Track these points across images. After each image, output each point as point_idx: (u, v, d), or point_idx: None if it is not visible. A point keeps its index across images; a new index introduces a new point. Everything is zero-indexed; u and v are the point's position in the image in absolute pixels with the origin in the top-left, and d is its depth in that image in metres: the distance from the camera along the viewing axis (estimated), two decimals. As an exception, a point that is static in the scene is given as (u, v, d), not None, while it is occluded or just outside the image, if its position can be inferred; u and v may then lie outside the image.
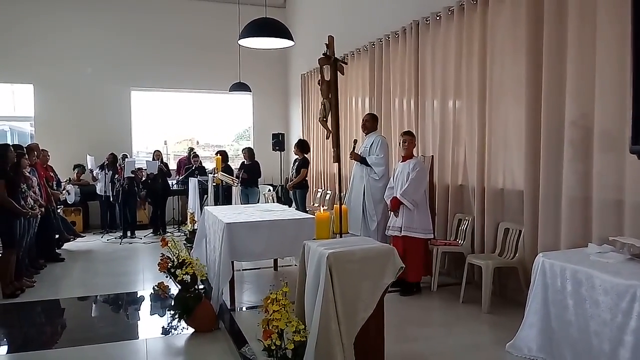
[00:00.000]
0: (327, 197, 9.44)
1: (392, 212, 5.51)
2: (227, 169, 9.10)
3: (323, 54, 3.50)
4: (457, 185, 5.94)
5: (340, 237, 3.53)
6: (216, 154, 9.44)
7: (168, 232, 9.61)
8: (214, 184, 8.28)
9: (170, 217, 10.49)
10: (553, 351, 3.44)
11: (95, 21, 10.64)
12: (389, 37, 7.37)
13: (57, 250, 7.78)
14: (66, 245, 8.29)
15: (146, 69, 10.94)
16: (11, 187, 5.72)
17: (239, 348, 3.96)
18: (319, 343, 2.78)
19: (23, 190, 6.04)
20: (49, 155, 8.15)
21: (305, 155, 8.82)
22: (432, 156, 6.19)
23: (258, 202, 9.07)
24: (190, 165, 10.32)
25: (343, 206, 3.55)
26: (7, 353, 4.42)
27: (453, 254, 5.82)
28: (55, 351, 4.45)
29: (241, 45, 5.40)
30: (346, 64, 3.71)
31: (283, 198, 10.42)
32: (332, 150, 3.68)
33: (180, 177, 10.40)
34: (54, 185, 8.02)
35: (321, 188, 10.08)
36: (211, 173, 8.78)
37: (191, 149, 10.99)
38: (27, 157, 6.37)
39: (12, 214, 5.65)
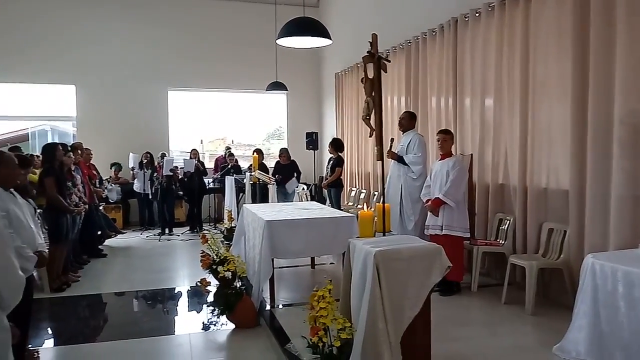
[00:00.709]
0: (362, 195, 9.43)
1: (430, 212, 5.45)
2: (262, 167, 9.18)
3: (367, 52, 3.49)
4: (497, 184, 5.84)
5: (384, 235, 3.52)
6: (253, 152, 9.54)
7: (204, 229, 9.76)
8: (251, 182, 8.36)
9: (206, 215, 10.66)
10: (603, 354, 3.35)
11: (134, 23, 10.89)
12: (425, 35, 7.31)
13: (99, 246, 8.00)
14: (107, 242, 8.52)
15: (183, 69, 11.14)
16: (58, 185, 5.91)
17: (282, 344, 3.99)
18: (366, 341, 2.78)
19: (68, 187, 6.23)
20: (91, 154, 8.39)
21: (340, 154, 8.83)
22: (471, 155, 6.11)
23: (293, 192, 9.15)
24: (226, 163, 10.46)
25: (386, 204, 3.54)
26: (54, 345, 4.58)
27: (493, 254, 5.73)
28: (102, 344, 4.58)
29: (278, 45, 5.44)
30: (389, 61, 3.71)
31: (317, 197, 10.45)
32: (375, 148, 3.68)
33: (217, 176, 10.55)
34: (97, 183, 8.25)
35: (355, 187, 10.07)
36: (248, 171, 8.88)
37: (227, 148, 11.14)
38: (71, 155, 6.57)
39: (60, 211, 5.84)
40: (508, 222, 5.53)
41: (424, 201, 5.60)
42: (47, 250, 3.88)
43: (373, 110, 3.52)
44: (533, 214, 5.20)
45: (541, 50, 5.15)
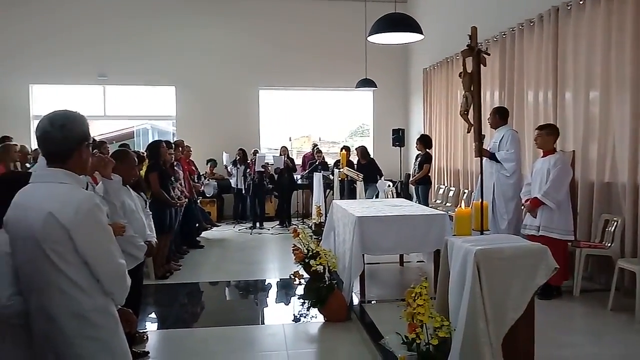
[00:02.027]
0: (451, 193, 9.21)
1: (528, 212, 5.21)
2: (350, 164, 9.25)
3: (467, 46, 3.42)
4: (603, 182, 5.47)
5: (481, 234, 3.44)
6: (341, 149, 9.65)
7: (293, 224, 10.02)
8: (339, 178, 8.46)
9: (294, 210, 10.94)
10: None
11: (228, 28, 11.38)
12: (522, 26, 6.98)
13: (197, 238, 8.48)
14: (204, 234, 9.01)
15: (274, 69, 11.48)
16: (162, 180, 6.35)
17: (373, 339, 4.03)
18: (465, 341, 2.73)
19: (171, 182, 6.67)
20: (191, 151, 8.91)
21: (428, 150, 8.69)
22: (573, 151, 5.76)
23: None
24: (314, 160, 10.66)
25: (484, 202, 3.44)
26: (157, 329, 4.93)
27: (597, 258, 5.37)
28: (201, 330, 4.88)
29: (368, 42, 5.45)
30: (489, 54, 3.59)
31: (402, 194, 10.36)
32: (473, 144, 3.59)
33: (305, 172, 10.78)
34: (195, 178, 8.75)
35: (444, 184, 9.85)
36: (336, 168, 8.99)
37: (315, 145, 11.35)
38: (172, 152, 7.03)
39: (164, 204, 6.27)
40: (615, 223, 5.15)
41: (523, 200, 5.36)
42: (155, 240, 4.19)
43: (472, 105, 3.43)
44: (645, 214, 4.82)
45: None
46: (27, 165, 6.95)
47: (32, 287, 1.97)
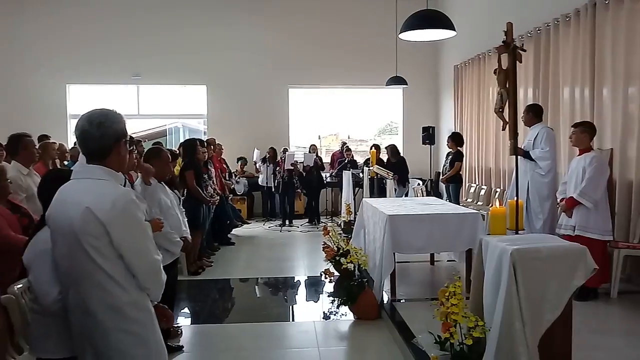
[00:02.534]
0: (482, 192, 9.08)
1: (564, 212, 5.10)
2: (380, 162, 9.22)
3: (502, 42, 3.36)
4: (642, 181, 5.31)
5: (516, 233, 3.38)
6: (371, 147, 9.61)
7: (322, 222, 10.05)
8: (369, 176, 8.44)
9: (323, 209, 10.96)
10: None
11: (258, 27, 11.47)
12: (557, 21, 6.82)
13: (228, 235, 8.60)
14: (235, 231, 9.11)
15: (303, 67, 11.51)
16: (196, 178, 6.45)
17: (405, 338, 4.01)
18: (500, 341, 2.70)
19: (204, 180, 6.78)
20: (222, 149, 9.02)
21: (459, 148, 8.59)
22: (611, 149, 5.61)
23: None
24: (343, 159, 10.66)
25: (520, 201, 3.39)
26: (191, 324, 5.02)
27: (636, 258, 5.22)
28: (233, 325, 4.96)
29: (398, 39, 5.41)
30: (525, 51, 3.53)
31: (432, 192, 10.26)
32: (508, 142, 3.54)
33: (334, 170, 10.79)
34: (226, 176, 8.86)
35: (475, 183, 9.72)
36: (365, 166, 8.98)
37: (344, 144, 11.35)
38: (205, 150, 7.13)
39: (198, 201, 6.38)
40: (655, 223, 5.00)
41: (559, 200, 5.25)
42: (190, 236, 4.27)
43: (507, 103, 3.38)
44: (688, 215, 4.66)
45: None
46: (65, 163, 7.15)
47: (71, 281, 2.03)
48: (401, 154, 10.01)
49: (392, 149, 9.63)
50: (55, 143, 6.72)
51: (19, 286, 2.92)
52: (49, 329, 2.22)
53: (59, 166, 6.52)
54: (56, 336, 2.20)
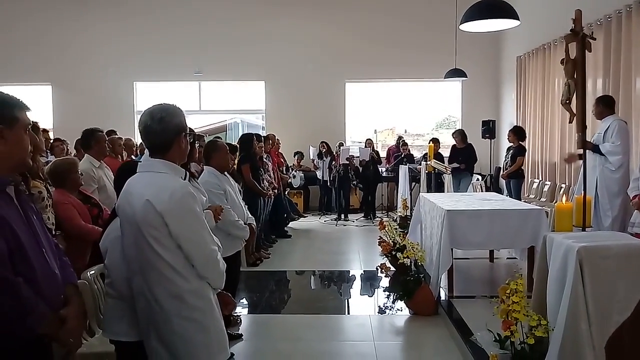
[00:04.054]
0: (545, 188, 8.73)
1: (637, 210, 4.83)
2: (438, 157, 9.04)
3: (570, 30, 3.21)
4: None
5: (583, 230, 3.24)
6: (429, 142, 9.45)
7: (377, 217, 10.01)
8: (427, 171, 8.32)
9: (378, 203, 10.91)
10: None
11: (315, 22, 11.50)
12: (630, 8, 6.42)
13: (285, 228, 8.74)
14: (291, 224, 9.25)
15: (360, 61, 11.43)
16: (253, 171, 6.60)
17: (462, 335, 3.94)
18: (565, 342, 2.61)
19: (261, 173, 6.92)
20: (280, 143, 9.16)
21: (521, 142, 8.29)
22: (690, 143, 5.24)
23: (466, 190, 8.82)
24: (400, 153, 10.55)
25: (588, 197, 3.24)
26: (249, 313, 5.16)
27: None
28: (290, 316, 5.05)
29: (458, 31, 5.28)
30: (594, 39, 3.36)
31: (492, 188, 9.97)
32: (576, 135, 3.38)
33: (391, 165, 10.71)
34: (284, 170, 9.00)
35: (538, 178, 9.36)
36: (423, 160, 8.85)
37: (399, 137, 11.23)
38: (263, 145, 7.27)
39: (255, 194, 6.52)
40: None
41: (631, 197, 4.97)
42: (255, 224, 4.39)
43: (574, 94, 3.23)
44: None
45: None
46: (133, 157, 7.50)
47: (136, 269, 2.13)
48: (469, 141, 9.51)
49: (460, 134, 9.21)
50: (121, 138, 7.06)
51: (91, 272, 3.12)
52: (123, 313, 2.34)
53: (124, 159, 6.84)
54: (129, 320, 2.31)
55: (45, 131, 6.92)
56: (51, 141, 7.16)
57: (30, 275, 1.74)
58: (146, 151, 2.26)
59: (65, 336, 1.83)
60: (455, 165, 8.70)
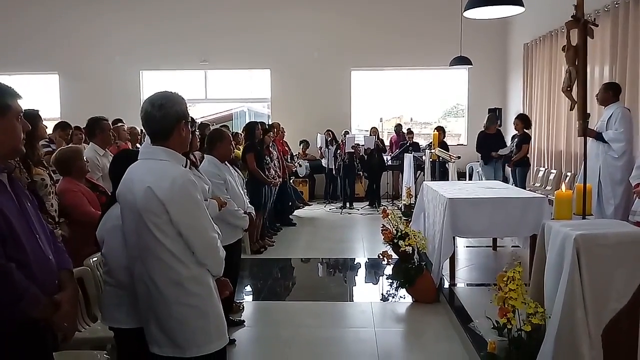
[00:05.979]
0: (551, 176, 8.69)
1: (638, 197, 4.81)
2: (443, 145, 9.02)
3: (572, 17, 3.18)
4: None
5: (583, 218, 3.24)
6: (434, 130, 9.41)
7: (382, 205, 10.02)
8: (431, 159, 8.30)
9: (384, 191, 10.92)
10: None
11: (320, 10, 11.43)
12: (639, -7, 6.33)
13: (290, 216, 8.78)
14: (296, 212, 9.29)
15: (365, 49, 11.39)
16: (258, 160, 6.63)
17: (463, 322, 3.97)
18: (561, 329, 2.62)
19: (266, 162, 6.94)
20: (284, 132, 9.17)
21: (526, 130, 8.24)
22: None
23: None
24: (405, 141, 10.53)
25: (588, 185, 3.24)
26: (252, 300, 5.21)
27: None
28: (293, 303, 5.11)
29: (463, 18, 5.23)
30: (597, 25, 3.33)
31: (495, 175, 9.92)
32: (577, 123, 3.37)
33: (396, 152, 10.70)
34: (289, 158, 9.02)
35: (543, 167, 9.31)
36: (428, 149, 8.82)
37: (399, 125, 11.23)
38: (270, 133, 7.29)
39: (259, 183, 6.55)
40: None
41: (633, 185, 4.94)
42: (254, 213, 4.42)
43: (575, 81, 3.21)
44: None
45: None
46: (138, 145, 7.55)
47: (136, 255, 2.16)
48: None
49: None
50: (124, 125, 7.10)
51: (94, 259, 3.17)
52: (120, 301, 2.39)
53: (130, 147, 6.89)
54: (127, 307, 2.36)
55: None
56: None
57: (23, 261, 1.76)
58: (147, 138, 2.27)
59: (60, 321, 1.85)
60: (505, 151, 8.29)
